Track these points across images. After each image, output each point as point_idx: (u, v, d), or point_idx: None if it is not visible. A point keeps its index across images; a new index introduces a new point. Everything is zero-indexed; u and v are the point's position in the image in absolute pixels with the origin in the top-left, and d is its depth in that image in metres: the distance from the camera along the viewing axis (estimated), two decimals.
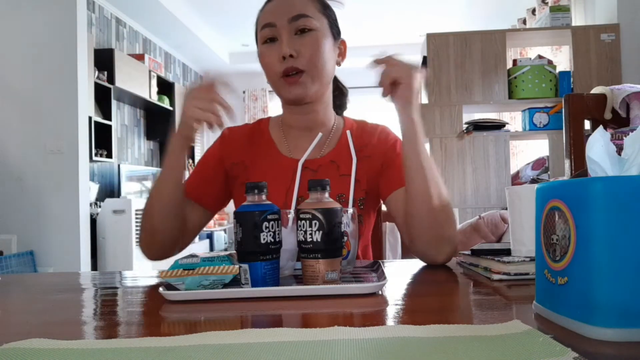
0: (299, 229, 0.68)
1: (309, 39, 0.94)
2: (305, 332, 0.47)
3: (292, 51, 0.93)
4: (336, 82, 1.13)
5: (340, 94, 1.14)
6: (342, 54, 1.05)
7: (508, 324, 0.47)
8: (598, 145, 0.51)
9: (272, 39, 0.95)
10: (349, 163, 0.99)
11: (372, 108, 7.07)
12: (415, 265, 0.91)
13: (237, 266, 0.68)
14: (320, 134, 0.96)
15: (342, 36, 1.06)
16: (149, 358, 0.42)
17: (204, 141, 7.11)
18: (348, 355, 0.40)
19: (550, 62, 3.26)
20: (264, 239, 0.67)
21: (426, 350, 0.41)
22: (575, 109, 1.39)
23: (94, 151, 4.00)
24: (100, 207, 4.20)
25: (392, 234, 2.15)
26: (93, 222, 3.99)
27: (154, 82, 5.11)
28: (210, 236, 5.94)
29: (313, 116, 1.02)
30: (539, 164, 3.27)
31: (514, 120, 4.76)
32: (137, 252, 4.08)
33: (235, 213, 0.69)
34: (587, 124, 1.46)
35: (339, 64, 1.04)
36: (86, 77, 3.61)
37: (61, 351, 0.44)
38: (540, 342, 0.41)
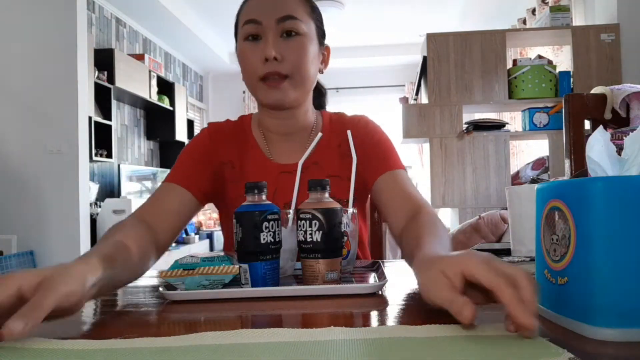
0: (299, 229, 0.68)
1: (296, 44, 0.90)
2: (303, 333, 0.47)
3: (277, 54, 0.88)
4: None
5: (319, 94, 1.10)
6: (325, 61, 1.00)
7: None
8: (598, 145, 0.51)
9: (255, 37, 0.90)
10: (334, 163, 0.98)
11: (371, 108, 7.09)
12: None
13: (237, 266, 0.68)
14: (320, 134, 0.95)
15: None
16: (147, 358, 0.42)
17: None
18: (346, 355, 0.40)
19: (550, 62, 3.26)
20: (264, 239, 0.67)
21: (423, 350, 0.41)
22: (575, 109, 1.39)
23: (94, 151, 3.99)
24: (100, 207, 4.20)
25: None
26: (93, 222, 3.99)
27: (154, 82, 5.10)
28: (210, 236, 5.94)
29: (292, 122, 0.99)
30: (539, 164, 3.27)
31: (514, 120, 4.75)
32: None
33: (235, 213, 0.69)
34: (587, 124, 1.46)
35: (321, 71, 1.00)
36: (86, 77, 3.61)
37: (61, 351, 0.44)
38: (536, 342, 0.41)
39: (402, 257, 0.79)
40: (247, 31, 0.91)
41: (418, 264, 0.57)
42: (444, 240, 0.69)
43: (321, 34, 0.98)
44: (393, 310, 0.58)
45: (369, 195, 1.04)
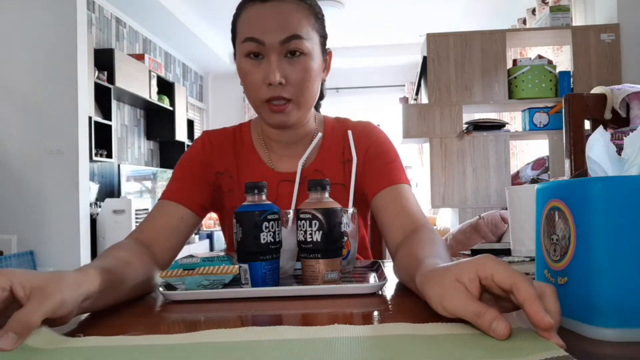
0: (299, 229, 0.68)
1: (299, 65, 0.86)
2: (308, 330, 0.47)
3: (282, 78, 0.84)
4: None
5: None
6: (327, 68, 0.97)
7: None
8: (598, 145, 0.51)
9: (256, 55, 0.86)
10: (337, 171, 0.96)
11: (371, 108, 7.09)
12: None
13: (237, 266, 0.68)
14: (320, 134, 0.94)
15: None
16: (148, 356, 0.42)
17: None
18: (347, 352, 0.41)
19: (550, 62, 3.26)
20: (264, 239, 0.67)
21: (428, 347, 0.41)
22: (575, 109, 1.39)
23: (94, 151, 3.99)
24: (100, 207, 4.20)
25: None
26: (93, 222, 3.99)
27: (154, 82, 5.10)
28: (210, 236, 5.94)
29: (294, 132, 0.97)
30: (539, 164, 3.27)
31: (514, 120, 4.75)
32: None
33: (235, 213, 0.69)
34: (587, 124, 1.46)
35: (323, 80, 0.96)
36: (86, 77, 3.61)
37: (60, 351, 0.44)
38: (536, 339, 0.42)
39: (395, 273, 0.76)
40: (248, 49, 0.86)
41: (423, 277, 0.52)
42: (446, 258, 0.64)
43: (324, 43, 0.95)
44: (393, 310, 0.58)
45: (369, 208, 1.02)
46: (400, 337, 0.44)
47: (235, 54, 0.94)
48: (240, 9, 0.90)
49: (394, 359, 0.39)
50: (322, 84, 1.08)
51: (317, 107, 1.10)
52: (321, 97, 1.10)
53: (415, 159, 6.72)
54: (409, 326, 0.48)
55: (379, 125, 1.05)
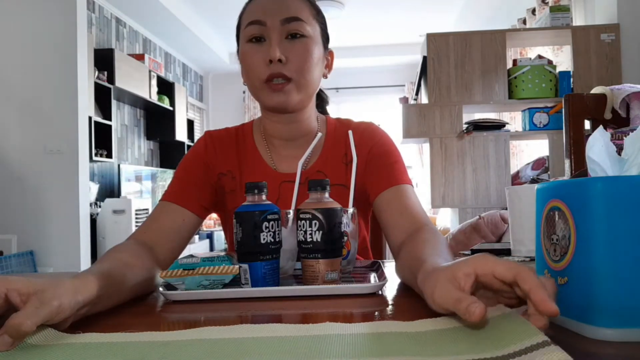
0: (299, 229, 0.68)
1: (300, 46, 0.88)
2: (296, 328, 0.48)
3: (282, 56, 0.85)
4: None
5: (320, 100, 1.07)
6: (329, 65, 0.99)
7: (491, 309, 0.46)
8: (598, 145, 0.51)
9: (258, 39, 0.88)
10: (339, 172, 0.96)
11: (371, 108, 7.09)
12: None
13: (237, 266, 0.68)
14: (320, 134, 0.94)
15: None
16: (143, 351, 0.42)
17: None
18: (341, 349, 0.41)
19: (550, 62, 3.26)
20: (264, 239, 0.67)
21: (408, 342, 0.42)
22: (575, 109, 1.39)
23: (94, 151, 3.99)
24: (100, 207, 4.20)
25: None
26: (93, 222, 3.99)
27: (154, 82, 5.10)
28: (210, 236, 5.94)
29: (295, 126, 0.96)
30: (539, 164, 3.27)
31: (514, 120, 4.75)
32: None
33: (235, 213, 0.69)
34: (587, 124, 1.46)
35: (325, 75, 0.97)
36: (86, 77, 3.61)
37: (59, 347, 0.44)
38: (513, 326, 0.42)
39: (397, 273, 0.76)
40: (251, 33, 0.88)
41: (424, 276, 0.53)
42: (448, 258, 0.63)
43: (325, 38, 0.96)
44: (393, 310, 0.58)
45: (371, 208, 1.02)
46: (389, 334, 0.45)
47: (238, 51, 0.94)
48: (245, 6, 0.93)
49: (381, 354, 0.39)
50: (325, 97, 1.09)
51: (324, 110, 1.10)
52: (323, 99, 1.10)
53: (415, 159, 6.71)
54: (398, 323, 0.48)
55: (379, 125, 1.06)
